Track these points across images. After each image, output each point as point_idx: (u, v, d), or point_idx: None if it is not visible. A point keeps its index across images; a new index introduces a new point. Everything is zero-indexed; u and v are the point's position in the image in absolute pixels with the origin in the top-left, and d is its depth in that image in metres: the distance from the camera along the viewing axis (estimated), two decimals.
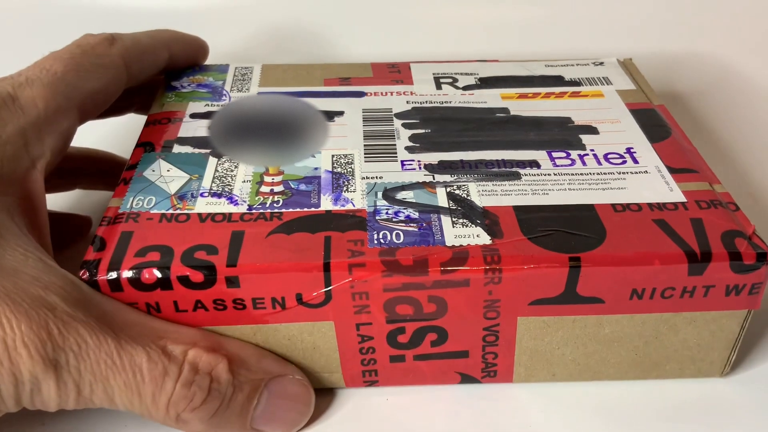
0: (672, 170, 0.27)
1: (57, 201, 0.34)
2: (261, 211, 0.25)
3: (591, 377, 0.26)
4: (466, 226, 0.24)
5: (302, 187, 0.26)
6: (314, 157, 0.28)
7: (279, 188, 0.26)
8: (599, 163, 0.28)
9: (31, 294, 0.21)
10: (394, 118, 0.30)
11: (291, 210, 0.25)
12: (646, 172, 0.27)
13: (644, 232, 0.24)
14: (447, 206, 0.25)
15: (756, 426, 0.25)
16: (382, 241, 0.24)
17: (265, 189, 0.26)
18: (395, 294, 0.23)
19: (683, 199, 0.25)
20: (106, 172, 0.33)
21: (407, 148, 0.28)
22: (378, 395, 0.26)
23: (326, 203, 0.25)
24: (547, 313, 0.24)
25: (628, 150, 0.28)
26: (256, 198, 0.26)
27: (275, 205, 0.25)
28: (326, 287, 0.23)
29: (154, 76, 0.33)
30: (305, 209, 0.25)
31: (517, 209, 0.25)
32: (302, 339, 0.24)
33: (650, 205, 0.25)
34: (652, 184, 0.26)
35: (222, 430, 0.23)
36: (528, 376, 0.26)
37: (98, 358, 0.21)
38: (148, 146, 0.28)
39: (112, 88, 0.29)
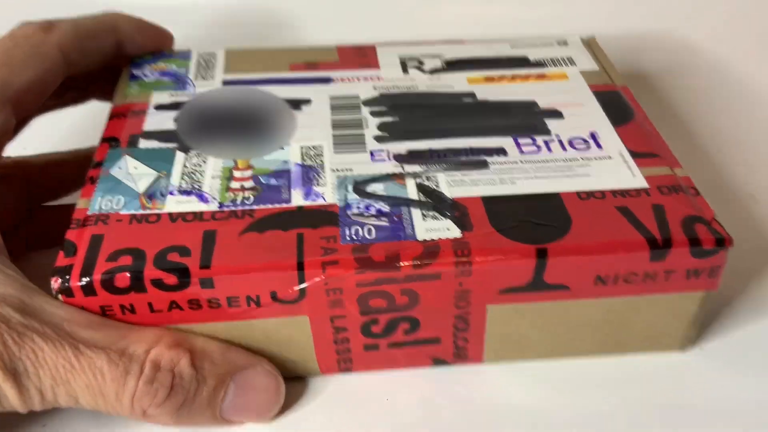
0: (634, 155, 0.28)
1: None
2: (232, 208, 0.25)
3: (559, 358, 0.27)
4: (437, 219, 0.25)
5: (272, 181, 0.26)
6: (283, 149, 0.28)
7: (249, 183, 0.26)
8: (564, 149, 0.28)
9: None
10: (362, 106, 0.30)
11: (262, 207, 0.25)
12: (609, 157, 0.28)
13: (608, 220, 0.25)
14: (417, 199, 0.25)
15: (713, 394, 0.26)
16: (354, 237, 0.24)
17: (235, 185, 0.26)
18: (368, 289, 0.24)
19: (645, 185, 0.26)
20: (75, 175, 0.33)
21: (376, 138, 0.29)
22: (354, 380, 0.27)
23: (297, 198, 0.26)
24: (515, 301, 0.25)
25: (592, 135, 0.29)
26: (227, 194, 0.26)
27: (246, 202, 0.25)
28: (300, 285, 0.23)
29: (106, 61, 0.32)
30: (276, 205, 0.25)
31: (486, 200, 0.25)
32: (278, 331, 0.25)
33: (613, 192, 0.26)
34: (615, 170, 0.27)
35: (191, 421, 0.24)
36: (498, 359, 0.27)
37: (56, 363, 0.22)
38: (113, 142, 0.28)
39: (49, 78, 0.28)
